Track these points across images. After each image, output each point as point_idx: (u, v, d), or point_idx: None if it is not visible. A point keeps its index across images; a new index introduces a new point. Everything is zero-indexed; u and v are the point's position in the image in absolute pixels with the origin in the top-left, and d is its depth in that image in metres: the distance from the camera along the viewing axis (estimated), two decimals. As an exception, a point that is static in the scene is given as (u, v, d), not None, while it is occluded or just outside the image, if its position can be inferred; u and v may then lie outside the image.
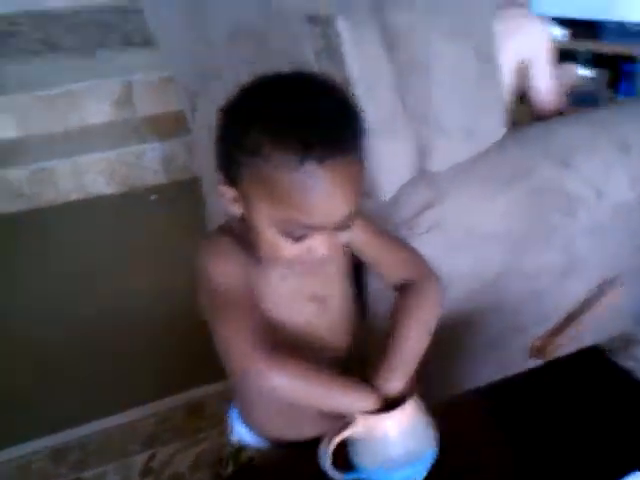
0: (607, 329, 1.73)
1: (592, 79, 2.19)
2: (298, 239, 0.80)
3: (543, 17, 1.79)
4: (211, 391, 1.76)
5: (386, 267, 0.98)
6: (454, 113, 1.28)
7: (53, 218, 2.72)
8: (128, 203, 2.79)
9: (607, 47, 2.63)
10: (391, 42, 1.19)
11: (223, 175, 0.83)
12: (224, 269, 0.86)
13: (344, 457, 0.84)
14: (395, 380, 0.85)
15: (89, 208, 2.78)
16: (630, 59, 2.65)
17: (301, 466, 0.88)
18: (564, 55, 2.46)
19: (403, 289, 0.95)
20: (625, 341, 1.88)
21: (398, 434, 0.81)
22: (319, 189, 0.75)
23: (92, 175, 2.81)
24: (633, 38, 2.60)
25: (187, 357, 1.81)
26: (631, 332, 1.90)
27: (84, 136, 2.93)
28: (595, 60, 2.53)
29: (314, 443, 0.83)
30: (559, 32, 2.50)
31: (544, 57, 1.71)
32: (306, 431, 0.97)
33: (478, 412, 0.99)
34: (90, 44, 3.38)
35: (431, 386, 1.33)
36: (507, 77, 1.68)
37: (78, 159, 2.79)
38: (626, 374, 1.04)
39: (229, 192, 0.83)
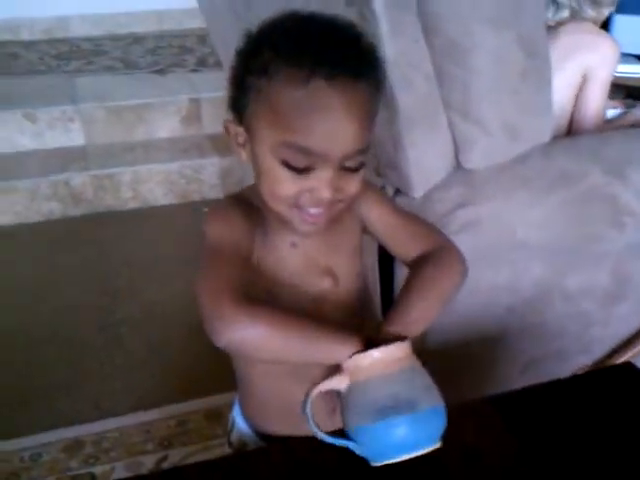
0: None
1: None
2: (300, 171, 0.74)
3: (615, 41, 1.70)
4: (231, 399, 1.69)
5: (402, 243, 0.90)
6: (495, 107, 1.20)
7: (111, 223, 2.76)
8: (182, 213, 2.80)
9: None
10: (429, 25, 1.13)
11: (232, 111, 0.80)
12: (223, 228, 0.81)
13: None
14: (395, 326, 0.76)
15: (145, 216, 2.82)
16: None
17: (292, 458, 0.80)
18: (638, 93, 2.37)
19: (419, 259, 0.87)
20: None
21: (388, 374, 0.69)
22: (324, 108, 0.70)
23: (151, 185, 2.85)
24: None
25: (212, 362, 1.75)
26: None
27: (148, 148, 2.98)
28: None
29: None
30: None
31: (605, 76, 1.61)
32: (303, 426, 0.88)
33: (492, 421, 0.89)
34: (165, 64, 3.47)
35: (455, 398, 1.23)
36: (569, 89, 1.59)
37: (139, 169, 2.83)
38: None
39: (236, 130, 0.80)
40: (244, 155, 0.81)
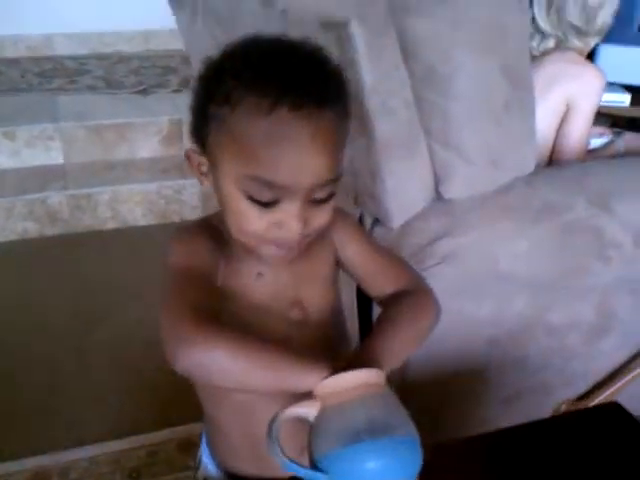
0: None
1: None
2: (266, 206, 0.70)
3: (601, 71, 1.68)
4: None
5: (377, 280, 0.87)
6: (477, 136, 1.17)
7: (88, 243, 2.71)
8: (161, 234, 2.74)
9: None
10: (409, 50, 1.11)
11: (194, 140, 0.76)
12: (186, 252, 0.77)
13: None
14: (368, 356, 0.71)
15: (124, 236, 2.76)
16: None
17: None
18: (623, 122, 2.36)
19: (394, 298, 0.83)
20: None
21: (361, 396, 0.63)
22: (288, 139, 0.67)
23: (130, 205, 2.80)
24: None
25: (187, 390, 1.70)
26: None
27: (128, 168, 2.93)
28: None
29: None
30: (626, 98, 2.38)
31: (589, 106, 1.60)
32: (269, 467, 0.83)
33: (473, 464, 0.85)
34: (148, 84, 3.44)
35: (436, 432, 1.19)
36: (552, 118, 1.57)
37: (119, 189, 2.79)
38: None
39: (198, 160, 0.76)
40: (207, 184, 0.77)
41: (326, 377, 0.66)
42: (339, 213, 0.84)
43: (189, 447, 1.65)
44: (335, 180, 0.72)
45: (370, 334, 0.77)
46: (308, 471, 0.63)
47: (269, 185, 0.68)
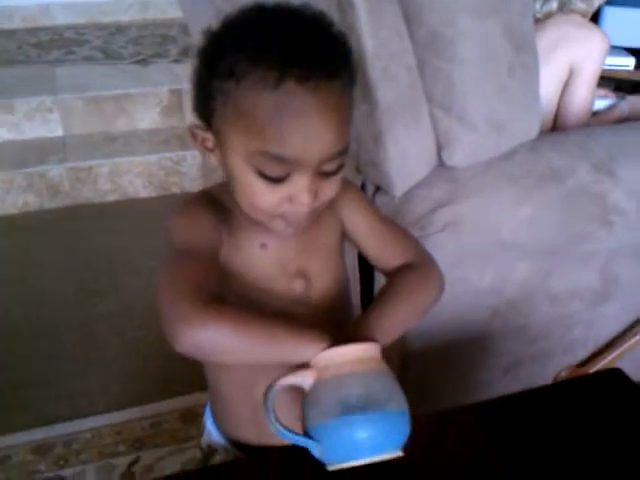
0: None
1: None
2: (276, 181, 0.69)
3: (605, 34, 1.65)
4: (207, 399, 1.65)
5: (382, 252, 0.86)
6: (481, 102, 1.15)
7: (88, 216, 2.70)
8: (162, 206, 2.74)
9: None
10: (411, 15, 1.08)
11: (198, 116, 0.75)
12: (187, 226, 0.76)
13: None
14: (367, 330, 0.72)
15: (124, 209, 2.75)
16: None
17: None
18: (627, 86, 2.33)
19: (399, 270, 0.84)
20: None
21: (358, 372, 0.66)
22: (297, 112, 0.65)
23: (131, 177, 2.78)
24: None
25: (190, 361, 1.70)
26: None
27: (128, 140, 2.91)
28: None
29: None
30: (631, 62, 2.34)
31: (593, 70, 1.57)
32: (271, 436, 0.83)
33: (474, 432, 0.84)
34: (147, 54, 3.40)
35: (437, 401, 1.19)
36: (556, 82, 1.55)
37: (119, 161, 2.77)
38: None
39: (203, 136, 0.75)
40: (214, 159, 0.76)
41: (324, 349, 0.67)
42: (345, 183, 0.83)
43: (192, 418, 1.66)
44: (344, 152, 0.71)
45: (371, 305, 0.78)
46: (300, 438, 0.66)
47: (279, 160, 0.67)
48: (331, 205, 0.80)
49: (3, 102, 2.84)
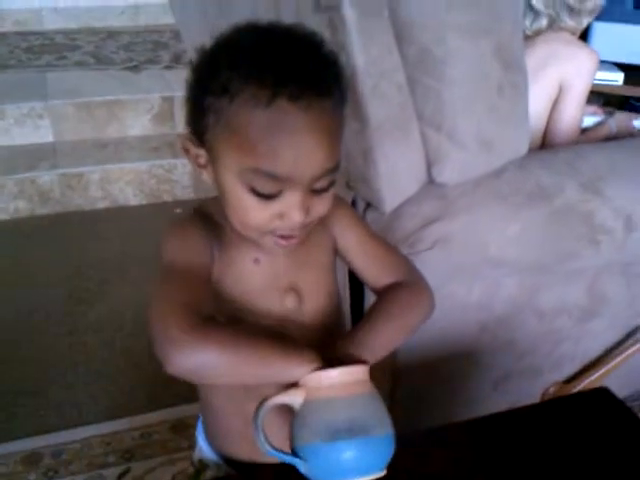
0: (632, 383, 1.56)
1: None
2: (267, 198, 0.70)
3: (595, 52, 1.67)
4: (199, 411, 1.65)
5: (373, 270, 0.87)
6: (470, 120, 1.16)
7: (79, 223, 2.69)
8: (153, 214, 2.74)
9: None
10: (402, 33, 1.09)
11: (191, 131, 0.75)
12: (178, 246, 0.76)
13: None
14: (355, 348, 0.74)
15: (115, 216, 2.75)
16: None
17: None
18: (616, 101, 2.35)
19: (389, 288, 0.85)
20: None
21: (344, 398, 0.68)
22: (289, 130, 0.66)
23: (121, 184, 2.78)
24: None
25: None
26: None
27: (119, 146, 2.91)
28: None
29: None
30: (619, 77, 2.36)
31: (582, 87, 1.59)
32: (262, 453, 0.84)
33: (462, 451, 0.85)
34: (139, 60, 3.40)
35: (426, 415, 1.20)
36: (544, 99, 1.57)
37: (109, 168, 2.77)
38: (634, 416, 0.89)
39: (197, 152, 0.75)
40: (206, 176, 0.76)
41: (314, 369, 0.69)
42: (336, 200, 0.84)
43: (183, 428, 1.66)
44: (335, 169, 0.72)
45: (360, 323, 0.79)
46: (288, 457, 0.68)
47: (271, 177, 0.68)
48: (323, 221, 0.81)
49: (-6, 107, 2.83)
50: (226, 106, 0.68)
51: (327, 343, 0.84)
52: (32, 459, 1.60)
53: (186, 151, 0.77)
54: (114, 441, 1.65)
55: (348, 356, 0.72)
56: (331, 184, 0.73)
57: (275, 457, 0.69)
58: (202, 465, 0.99)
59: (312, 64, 0.69)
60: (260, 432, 0.68)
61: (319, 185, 0.72)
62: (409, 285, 0.85)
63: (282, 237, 0.75)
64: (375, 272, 0.87)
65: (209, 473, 0.98)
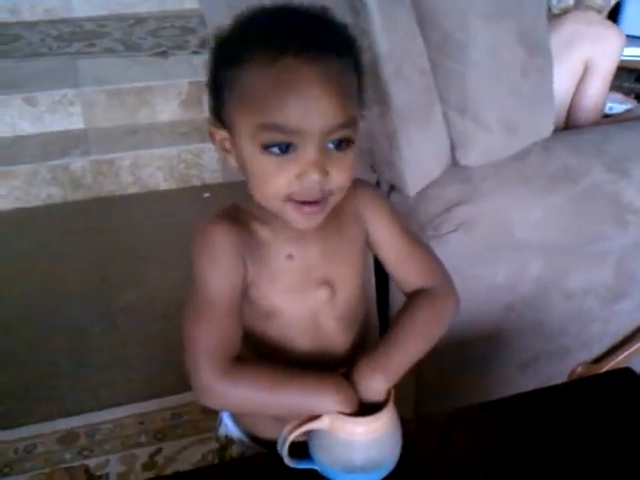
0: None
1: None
2: (282, 154, 0.70)
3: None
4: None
5: (405, 270, 0.88)
6: (494, 103, 1.16)
7: (110, 209, 2.74)
8: (182, 198, 2.78)
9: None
10: (425, 19, 1.09)
11: (214, 117, 0.77)
12: (212, 266, 0.78)
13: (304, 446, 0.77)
14: (376, 381, 0.77)
15: (145, 201, 2.79)
16: None
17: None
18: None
19: (417, 294, 0.86)
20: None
21: (363, 442, 0.74)
22: (294, 81, 0.68)
23: (151, 170, 2.82)
24: None
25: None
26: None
27: (148, 132, 2.94)
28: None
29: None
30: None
31: (608, 67, 1.57)
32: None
33: (485, 431, 0.87)
34: (167, 46, 3.42)
35: (451, 399, 1.21)
36: (569, 80, 1.55)
37: (140, 153, 2.81)
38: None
39: (220, 135, 0.76)
40: (232, 161, 0.77)
41: (334, 407, 0.75)
42: (373, 193, 0.87)
43: (212, 409, 1.69)
44: (348, 125, 0.72)
45: (383, 340, 0.81)
46: (317, 468, 0.78)
47: (281, 129, 0.69)
48: (356, 214, 0.83)
49: (26, 95, 2.88)
50: (237, 73, 0.70)
51: (358, 335, 0.90)
52: (68, 438, 1.66)
53: (212, 136, 0.78)
54: (146, 421, 1.69)
55: (369, 390, 0.77)
56: (347, 144, 0.73)
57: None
58: (228, 441, 1.01)
59: (318, 26, 0.71)
60: (287, 458, 0.76)
61: (333, 138, 0.71)
62: (437, 294, 0.86)
63: (303, 204, 0.74)
64: (405, 273, 0.88)
65: (235, 449, 1.00)
